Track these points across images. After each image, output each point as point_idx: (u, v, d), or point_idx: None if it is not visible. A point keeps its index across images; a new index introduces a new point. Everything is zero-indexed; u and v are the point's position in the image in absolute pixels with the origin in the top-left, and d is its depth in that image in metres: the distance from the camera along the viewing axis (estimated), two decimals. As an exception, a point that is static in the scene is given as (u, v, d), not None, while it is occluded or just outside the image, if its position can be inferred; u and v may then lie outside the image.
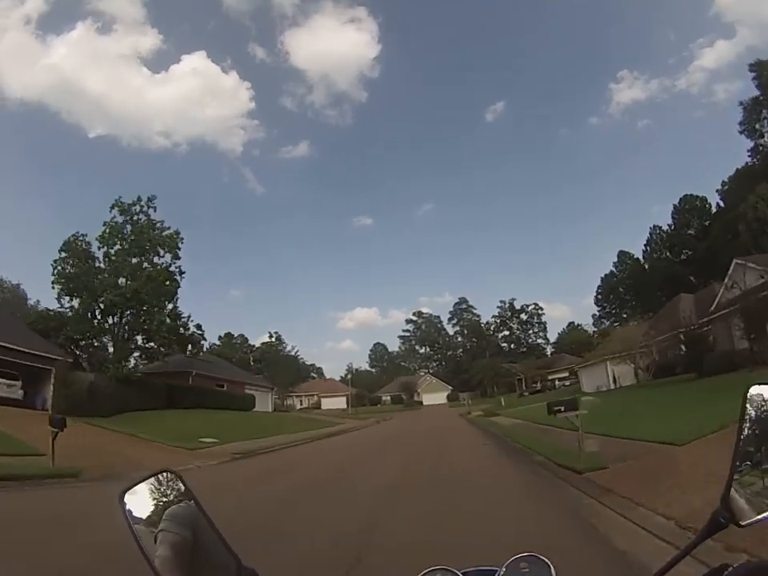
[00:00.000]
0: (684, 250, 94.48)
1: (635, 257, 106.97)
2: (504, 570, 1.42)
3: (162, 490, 1.45)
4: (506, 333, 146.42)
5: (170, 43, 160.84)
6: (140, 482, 1.46)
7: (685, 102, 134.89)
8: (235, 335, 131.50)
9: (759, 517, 1.24)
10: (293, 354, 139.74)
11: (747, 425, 1.33)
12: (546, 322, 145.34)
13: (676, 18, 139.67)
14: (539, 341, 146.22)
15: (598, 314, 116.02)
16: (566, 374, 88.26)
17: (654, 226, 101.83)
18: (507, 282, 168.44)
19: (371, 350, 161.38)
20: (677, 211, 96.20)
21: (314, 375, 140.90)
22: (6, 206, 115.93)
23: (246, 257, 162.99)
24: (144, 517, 1.41)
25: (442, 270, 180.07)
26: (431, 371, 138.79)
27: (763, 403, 1.35)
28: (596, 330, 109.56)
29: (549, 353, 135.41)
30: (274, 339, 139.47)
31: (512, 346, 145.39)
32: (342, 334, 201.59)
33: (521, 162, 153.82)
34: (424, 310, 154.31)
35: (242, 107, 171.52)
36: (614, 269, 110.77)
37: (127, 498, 1.44)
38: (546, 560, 1.41)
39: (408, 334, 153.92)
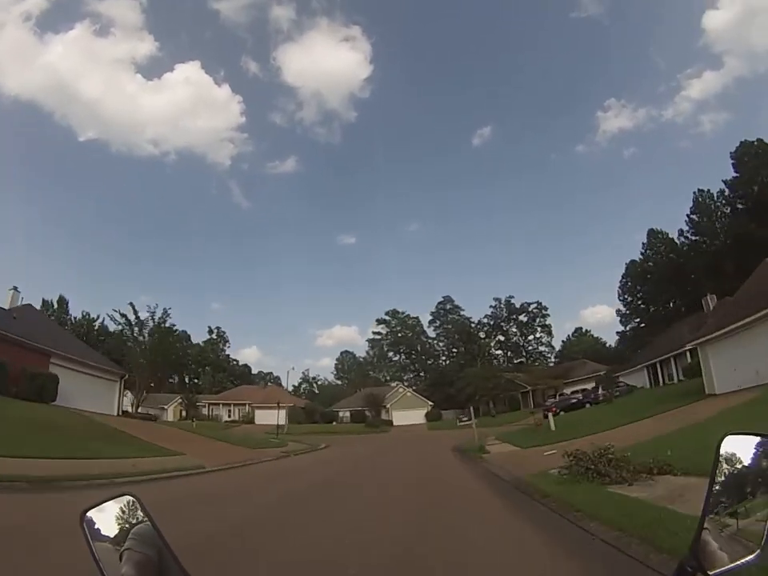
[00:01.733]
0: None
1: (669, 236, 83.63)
2: None
3: (123, 511, 1.53)
4: (501, 338, 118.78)
5: (166, 51, 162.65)
6: (101, 503, 1.55)
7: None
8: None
9: (731, 566, 1.28)
10: (227, 355, 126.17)
11: (721, 473, 1.44)
12: (550, 326, 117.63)
13: (665, 48, 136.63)
14: (542, 348, 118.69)
15: (624, 309, 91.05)
16: (586, 386, 67.99)
17: (700, 190, 77.05)
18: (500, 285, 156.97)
19: (338, 359, 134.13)
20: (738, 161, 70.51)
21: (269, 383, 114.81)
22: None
23: (230, 270, 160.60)
24: (107, 536, 1.49)
25: (426, 287, 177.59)
26: (406, 383, 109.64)
27: (735, 453, 1.46)
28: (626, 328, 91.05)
29: (552, 364, 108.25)
30: (215, 336, 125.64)
31: (508, 353, 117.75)
32: (320, 351, 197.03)
33: (505, 184, 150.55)
34: (399, 309, 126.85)
35: (233, 120, 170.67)
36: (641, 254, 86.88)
37: (89, 517, 1.54)
38: None
39: (378, 336, 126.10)
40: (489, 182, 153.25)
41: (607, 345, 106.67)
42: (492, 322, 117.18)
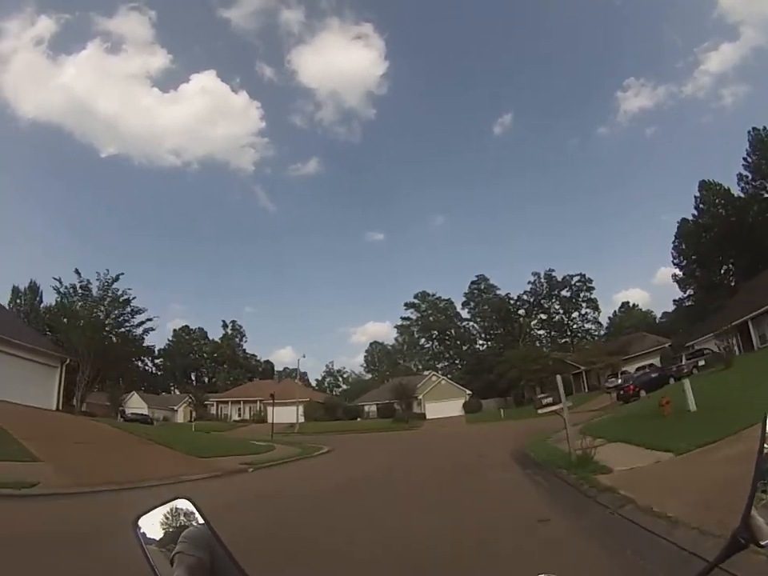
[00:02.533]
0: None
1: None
2: None
3: (176, 515, 1.52)
4: (542, 316, 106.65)
5: (179, 63, 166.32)
6: (155, 507, 1.53)
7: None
8: (193, 329, 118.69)
9: None
10: (243, 350, 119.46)
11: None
12: (596, 300, 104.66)
13: (679, 22, 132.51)
14: (588, 325, 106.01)
15: (680, 273, 78.51)
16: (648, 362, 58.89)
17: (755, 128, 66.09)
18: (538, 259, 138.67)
19: (367, 351, 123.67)
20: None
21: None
22: (23, 226, 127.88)
23: (260, 273, 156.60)
24: (159, 541, 1.48)
25: (456, 269, 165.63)
26: (441, 371, 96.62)
27: None
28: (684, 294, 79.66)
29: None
30: (230, 330, 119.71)
31: (552, 333, 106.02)
32: (354, 348, 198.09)
33: (531, 173, 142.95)
34: (429, 290, 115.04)
35: (253, 126, 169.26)
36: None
37: (142, 522, 1.51)
38: None
39: (408, 322, 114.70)
40: (514, 170, 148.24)
41: (658, 320, 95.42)
42: (532, 299, 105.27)
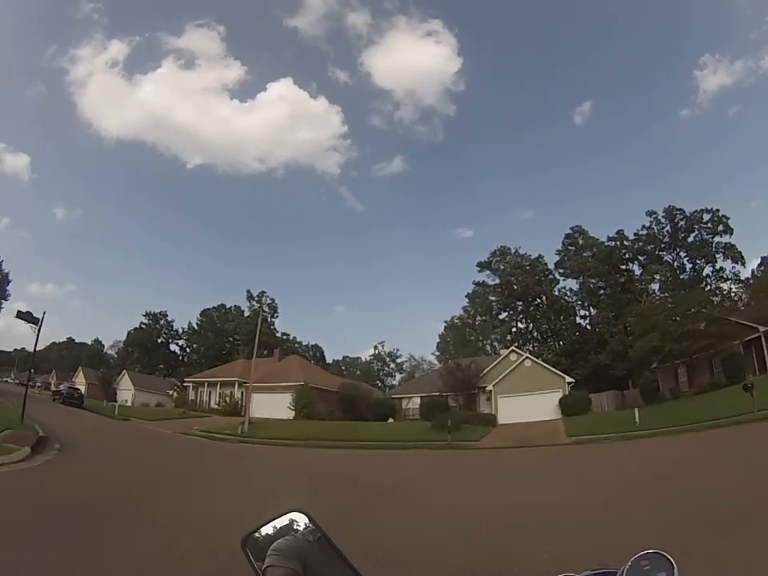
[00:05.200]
0: None
1: None
2: (627, 567, 1.36)
3: (288, 529, 1.47)
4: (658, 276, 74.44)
5: (254, 73, 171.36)
6: (263, 524, 1.49)
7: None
8: (229, 307, 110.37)
9: None
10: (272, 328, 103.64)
11: None
12: (735, 246, 72.07)
13: None
14: (725, 285, 72.74)
15: None
16: None
17: None
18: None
19: (440, 336, 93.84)
20: None
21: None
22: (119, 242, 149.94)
23: (349, 273, 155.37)
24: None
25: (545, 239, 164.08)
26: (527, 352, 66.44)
27: None
28: None
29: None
30: (255, 303, 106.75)
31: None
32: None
33: (612, 158, 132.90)
34: (510, 245, 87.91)
35: (334, 129, 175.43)
36: None
37: (251, 541, 1.46)
38: (669, 557, 1.34)
39: (482, 289, 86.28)
40: (598, 157, 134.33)
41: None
42: (649, 247, 75.69)
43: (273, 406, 48.51)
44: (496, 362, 50.20)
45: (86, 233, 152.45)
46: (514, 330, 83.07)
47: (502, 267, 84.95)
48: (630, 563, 1.36)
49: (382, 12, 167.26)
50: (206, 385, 62.90)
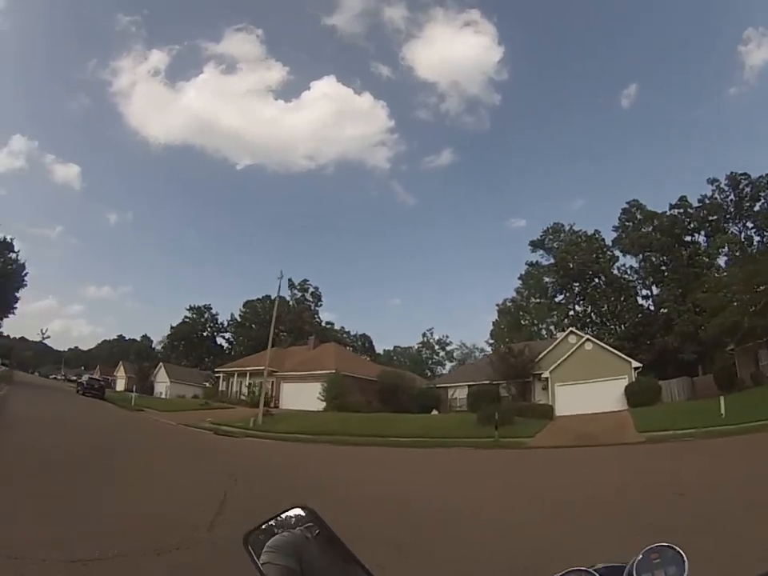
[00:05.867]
0: None
1: None
2: (637, 560, 1.34)
3: (291, 525, 1.43)
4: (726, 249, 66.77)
5: (296, 73, 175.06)
6: (266, 521, 1.45)
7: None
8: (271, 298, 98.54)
9: None
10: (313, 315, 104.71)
11: None
12: None
13: None
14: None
15: None
16: None
17: None
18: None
19: (494, 323, 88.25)
20: None
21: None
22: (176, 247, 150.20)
23: (404, 267, 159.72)
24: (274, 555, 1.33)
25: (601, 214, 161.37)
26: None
27: None
28: None
29: None
30: (298, 290, 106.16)
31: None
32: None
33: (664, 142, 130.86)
34: (563, 222, 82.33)
35: (381, 124, 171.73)
36: None
37: (253, 538, 1.40)
38: (680, 550, 1.33)
39: (535, 270, 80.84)
40: (647, 140, 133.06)
41: None
42: (713, 218, 67.95)
43: (304, 397, 45.11)
44: (553, 346, 44.71)
45: (138, 235, 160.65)
46: (571, 313, 77.07)
47: (555, 246, 79.01)
48: (640, 555, 1.32)
49: (418, 5, 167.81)
50: (235, 375, 59.39)
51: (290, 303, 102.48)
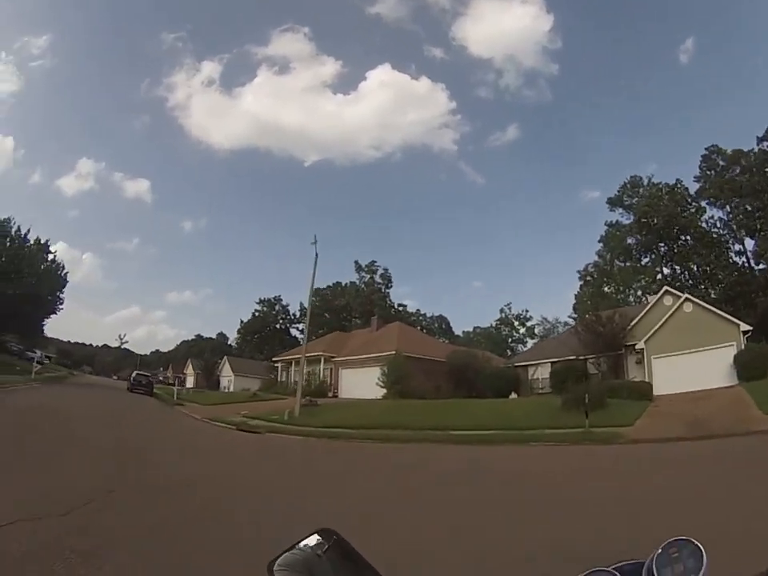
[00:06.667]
0: None
1: None
2: (656, 555, 1.32)
3: (314, 550, 1.36)
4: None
5: (350, 65, 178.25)
6: (291, 548, 1.37)
7: None
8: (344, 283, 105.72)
9: None
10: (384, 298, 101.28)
11: None
12: None
13: None
14: None
15: None
16: None
17: None
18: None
19: (576, 295, 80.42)
20: None
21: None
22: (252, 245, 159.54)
23: (481, 248, 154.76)
24: None
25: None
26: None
27: None
28: None
29: None
30: (365, 273, 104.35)
31: None
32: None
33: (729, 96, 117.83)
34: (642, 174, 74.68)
35: (443, 107, 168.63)
36: None
37: (278, 566, 1.31)
38: (698, 543, 1.30)
39: (615, 230, 73.22)
40: (710, 95, 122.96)
41: None
42: None
43: (363, 383, 41.11)
44: (645, 310, 38.48)
45: (213, 239, 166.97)
46: (659, 277, 69.93)
47: (635, 202, 71.84)
48: (659, 550, 1.31)
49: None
50: (293, 364, 55.74)
51: (360, 287, 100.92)
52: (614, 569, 1.36)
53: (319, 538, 1.37)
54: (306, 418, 26.74)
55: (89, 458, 11.93)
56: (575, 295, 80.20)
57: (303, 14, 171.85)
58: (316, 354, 51.10)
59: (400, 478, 12.91)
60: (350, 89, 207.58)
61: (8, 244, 47.27)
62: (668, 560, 1.27)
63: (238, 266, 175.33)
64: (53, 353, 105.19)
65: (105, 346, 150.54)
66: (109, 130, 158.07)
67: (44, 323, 61.16)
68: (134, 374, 53.96)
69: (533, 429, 20.61)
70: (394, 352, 41.33)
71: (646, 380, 32.59)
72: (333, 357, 49.65)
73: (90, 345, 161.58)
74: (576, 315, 73.39)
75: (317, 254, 32.35)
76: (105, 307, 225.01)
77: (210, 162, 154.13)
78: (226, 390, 66.21)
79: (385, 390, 39.01)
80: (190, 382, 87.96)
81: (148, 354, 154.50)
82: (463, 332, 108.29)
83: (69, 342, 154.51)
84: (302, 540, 1.36)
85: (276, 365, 62.16)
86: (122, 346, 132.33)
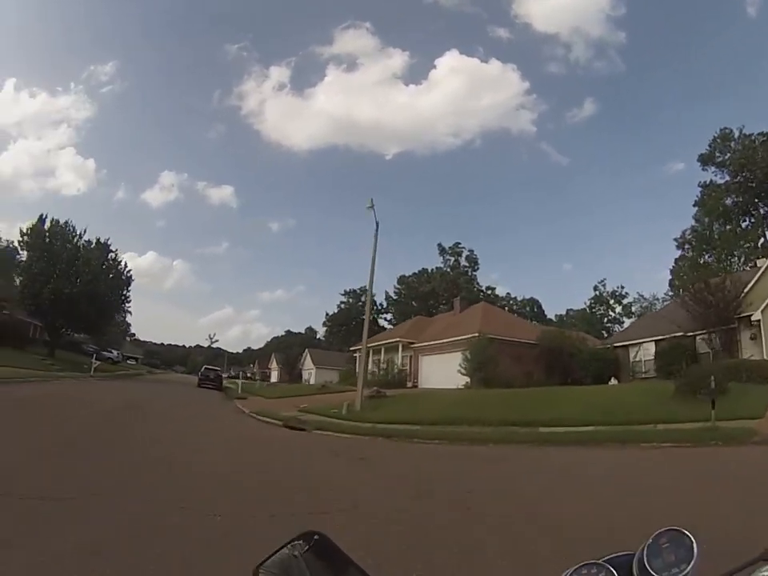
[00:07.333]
0: None
1: None
2: (647, 545, 1.32)
3: (291, 552, 1.34)
4: None
5: (417, 55, 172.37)
6: (278, 550, 1.34)
7: None
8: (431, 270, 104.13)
9: None
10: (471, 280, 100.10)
11: None
12: None
13: None
14: None
15: None
16: None
17: None
18: None
19: (671, 269, 74.72)
20: None
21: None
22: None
23: (566, 227, 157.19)
24: None
25: None
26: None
27: None
28: None
29: None
30: (450, 256, 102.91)
31: None
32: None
33: None
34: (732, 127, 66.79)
35: (516, 87, 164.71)
36: None
37: (264, 570, 1.30)
38: (688, 533, 1.30)
39: (712, 191, 66.20)
40: None
41: None
42: None
43: (443, 371, 38.26)
44: (758, 275, 33.21)
45: (302, 237, 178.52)
46: (761, 240, 63.74)
47: (727, 157, 65.32)
48: (650, 540, 1.31)
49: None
50: (370, 352, 53.23)
51: (445, 270, 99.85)
52: (604, 561, 1.33)
53: (301, 541, 1.32)
54: (367, 412, 24.19)
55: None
56: (670, 270, 74.59)
57: (362, 9, 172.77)
58: (393, 340, 48.72)
59: (455, 501, 8.86)
60: (421, 78, 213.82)
61: (68, 246, 47.89)
62: (658, 550, 1.25)
63: (325, 261, 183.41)
64: (140, 354, 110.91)
65: (197, 346, 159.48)
66: (187, 142, 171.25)
67: (113, 323, 63.88)
68: (202, 369, 54.06)
69: (642, 423, 16.99)
70: (476, 334, 37.78)
71: (765, 357, 27.83)
72: (412, 343, 46.89)
73: (183, 346, 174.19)
74: (673, 290, 68.39)
75: (377, 223, 29.12)
76: (199, 309, 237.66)
77: (290, 163, 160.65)
78: (307, 383, 65.12)
79: (467, 378, 35.90)
80: (274, 377, 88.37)
81: (240, 351, 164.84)
82: (556, 315, 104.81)
83: (161, 344, 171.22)
84: (288, 543, 1.32)
85: (354, 354, 60.33)
86: (213, 345, 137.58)
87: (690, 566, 1.19)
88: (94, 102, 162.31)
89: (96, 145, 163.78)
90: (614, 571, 1.29)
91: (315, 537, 1.34)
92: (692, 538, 1.24)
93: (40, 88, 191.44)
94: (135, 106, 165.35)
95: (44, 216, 49.80)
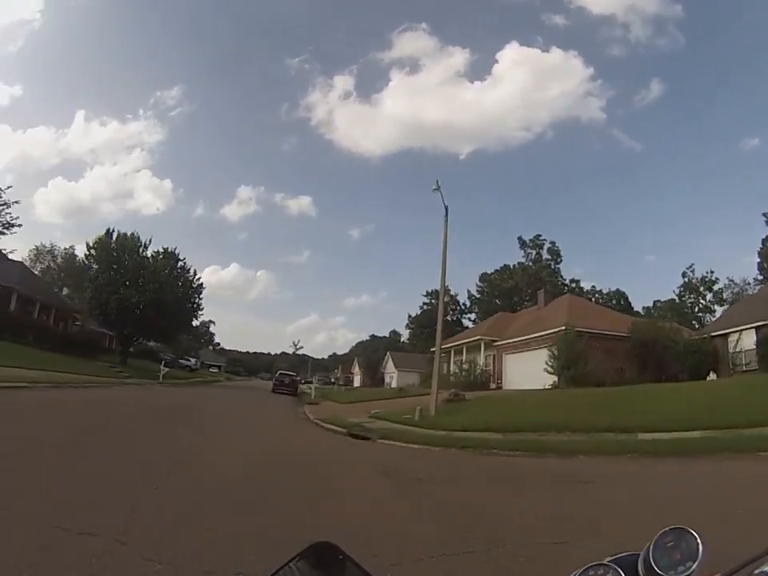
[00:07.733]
0: None
1: None
2: (652, 545, 1.32)
3: (287, 563, 1.33)
4: None
5: (478, 51, 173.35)
6: (286, 563, 1.31)
7: None
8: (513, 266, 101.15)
9: None
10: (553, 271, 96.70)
11: None
12: None
13: None
14: None
15: None
16: None
17: None
18: None
19: (759, 252, 72.59)
20: None
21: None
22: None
23: (646, 215, 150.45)
24: None
25: None
26: None
27: None
28: None
29: None
30: (531, 249, 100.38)
31: None
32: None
33: None
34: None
35: (581, 75, 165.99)
36: None
37: None
38: (693, 532, 1.31)
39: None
40: None
41: None
42: None
43: (529, 370, 35.53)
44: None
45: (383, 242, 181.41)
46: None
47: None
48: (655, 539, 1.32)
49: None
50: (452, 353, 50.95)
51: (527, 264, 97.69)
52: (610, 561, 1.31)
53: (308, 553, 1.31)
54: (442, 417, 21.94)
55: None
56: (758, 252, 70.82)
57: (415, 11, 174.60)
58: (474, 338, 46.29)
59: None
60: (485, 74, 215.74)
61: (135, 256, 48.46)
62: (664, 549, 1.25)
63: (407, 263, 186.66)
64: (222, 362, 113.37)
65: (283, 353, 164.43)
66: (260, 156, 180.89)
67: (187, 330, 64.34)
68: (277, 374, 53.70)
69: (753, 426, 14.10)
70: (563, 328, 34.91)
71: None
72: (494, 341, 44.34)
73: (269, 353, 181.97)
74: (763, 274, 63.27)
75: (446, 207, 26.68)
76: (285, 317, 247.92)
77: (364, 169, 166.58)
78: (389, 387, 63.80)
79: (554, 377, 33.27)
80: (357, 381, 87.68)
81: (326, 357, 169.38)
82: (643, 307, 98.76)
83: (246, 352, 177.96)
84: (300, 554, 1.31)
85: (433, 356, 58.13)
86: (297, 352, 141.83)
87: (696, 563, 1.18)
88: (164, 125, 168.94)
89: (171, 165, 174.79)
90: (621, 571, 1.26)
91: (324, 548, 1.32)
92: (697, 537, 1.22)
93: (110, 117, 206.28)
94: (205, 125, 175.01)
95: (111, 229, 51.15)
